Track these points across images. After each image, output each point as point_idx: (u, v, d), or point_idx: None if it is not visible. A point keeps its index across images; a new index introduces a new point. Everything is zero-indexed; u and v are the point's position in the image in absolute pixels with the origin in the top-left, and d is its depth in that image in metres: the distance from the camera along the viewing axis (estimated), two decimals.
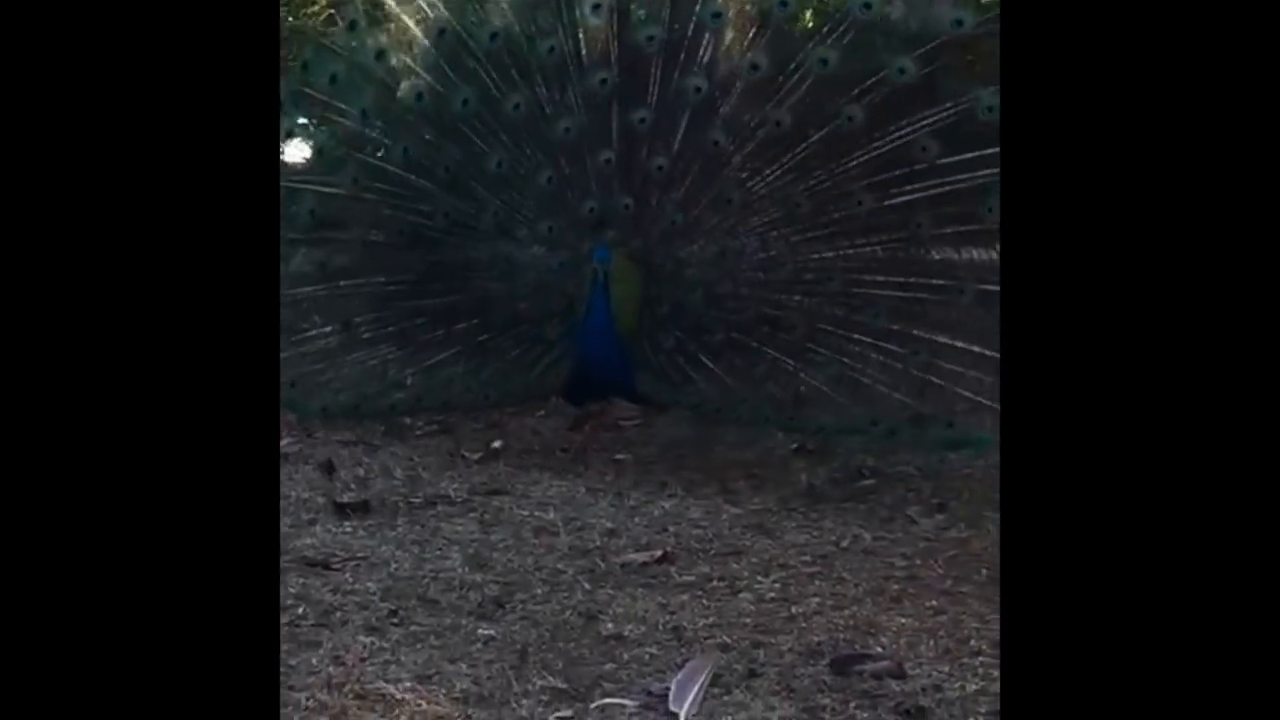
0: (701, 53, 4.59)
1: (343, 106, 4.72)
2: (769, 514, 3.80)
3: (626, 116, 4.59)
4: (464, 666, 2.67)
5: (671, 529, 3.66)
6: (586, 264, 4.55)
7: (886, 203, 4.46)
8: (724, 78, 4.61)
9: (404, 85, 4.70)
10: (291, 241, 4.59)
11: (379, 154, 4.80)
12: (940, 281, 4.50)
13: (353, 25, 4.86)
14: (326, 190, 4.72)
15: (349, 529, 3.62)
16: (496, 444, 4.54)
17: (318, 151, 4.91)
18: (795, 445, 4.51)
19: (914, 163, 4.38)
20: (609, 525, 3.67)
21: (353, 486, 4.05)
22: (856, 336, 4.50)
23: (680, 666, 2.64)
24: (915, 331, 4.44)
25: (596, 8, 4.62)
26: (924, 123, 4.34)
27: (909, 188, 4.42)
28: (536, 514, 3.78)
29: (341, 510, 3.75)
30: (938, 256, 4.61)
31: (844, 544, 3.52)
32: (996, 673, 2.60)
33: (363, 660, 2.69)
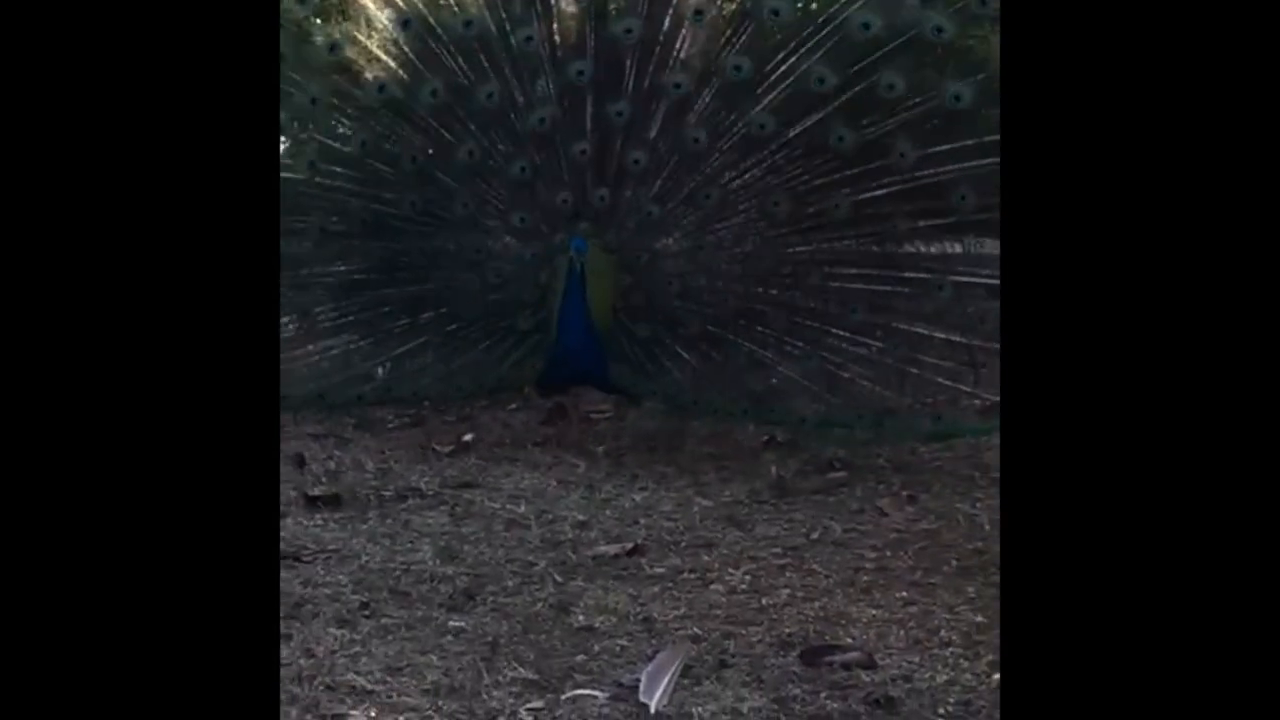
0: (679, 47, 4.58)
1: (297, 78, 4.62)
2: (740, 506, 3.80)
3: (603, 109, 4.57)
4: (435, 658, 2.67)
5: (642, 521, 3.66)
6: (560, 255, 4.53)
7: (862, 197, 4.46)
8: (703, 74, 4.59)
9: (368, 73, 4.63)
10: None
11: (344, 145, 4.75)
12: (916, 275, 4.52)
13: None
14: (286, 175, 4.64)
15: (320, 522, 3.60)
16: (468, 437, 4.53)
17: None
18: (766, 438, 4.52)
19: (887, 157, 4.39)
20: (580, 518, 3.67)
21: (323, 479, 4.04)
22: (835, 330, 4.50)
23: (651, 658, 2.64)
24: (894, 324, 4.45)
25: None
26: (897, 119, 4.36)
27: (884, 181, 4.43)
28: (508, 507, 3.77)
29: (312, 503, 3.74)
30: (911, 249, 4.63)
31: (814, 536, 3.53)
32: (966, 663, 2.62)
33: (334, 652, 2.69)
